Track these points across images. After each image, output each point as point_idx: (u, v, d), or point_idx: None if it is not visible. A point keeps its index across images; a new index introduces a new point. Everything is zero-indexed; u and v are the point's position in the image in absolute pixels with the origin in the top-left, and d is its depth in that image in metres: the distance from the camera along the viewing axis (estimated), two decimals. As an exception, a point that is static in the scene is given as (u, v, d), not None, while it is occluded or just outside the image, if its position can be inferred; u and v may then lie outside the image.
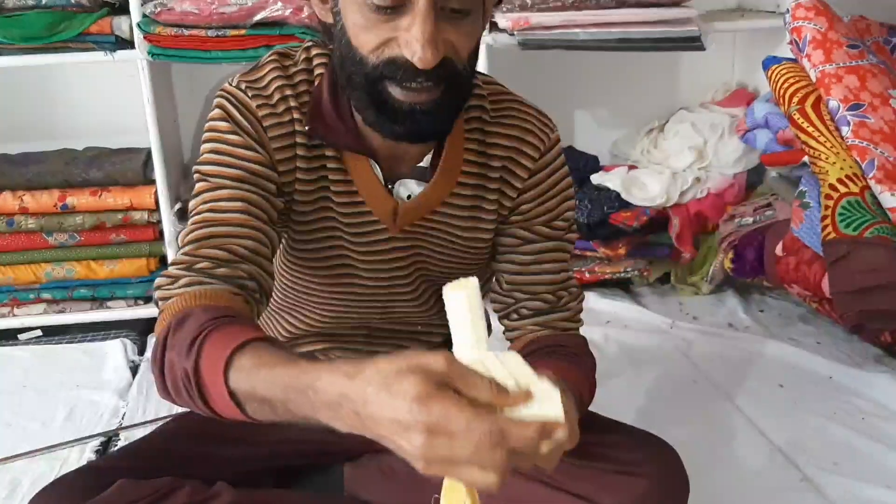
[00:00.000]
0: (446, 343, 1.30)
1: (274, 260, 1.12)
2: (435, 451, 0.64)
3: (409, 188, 1.08)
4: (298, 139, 1.04)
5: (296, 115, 1.03)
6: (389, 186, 1.07)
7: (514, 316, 1.16)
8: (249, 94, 1.01)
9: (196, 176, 1.02)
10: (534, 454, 0.68)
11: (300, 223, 1.10)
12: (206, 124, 1.03)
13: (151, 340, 2.01)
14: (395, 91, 0.91)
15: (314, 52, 1.06)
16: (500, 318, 1.19)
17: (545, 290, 1.14)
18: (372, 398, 0.66)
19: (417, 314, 1.21)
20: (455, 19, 0.90)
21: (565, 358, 1.08)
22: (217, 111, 1.02)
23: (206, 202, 0.98)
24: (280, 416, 0.76)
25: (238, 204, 0.97)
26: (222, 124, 1.01)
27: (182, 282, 0.91)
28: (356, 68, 0.93)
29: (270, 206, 1.01)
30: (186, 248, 0.95)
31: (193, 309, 0.87)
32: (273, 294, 1.22)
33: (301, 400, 0.72)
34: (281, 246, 1.12)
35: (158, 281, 0.94)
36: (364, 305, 1.18)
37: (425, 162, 1.07)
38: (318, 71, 1.05)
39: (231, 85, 1.02)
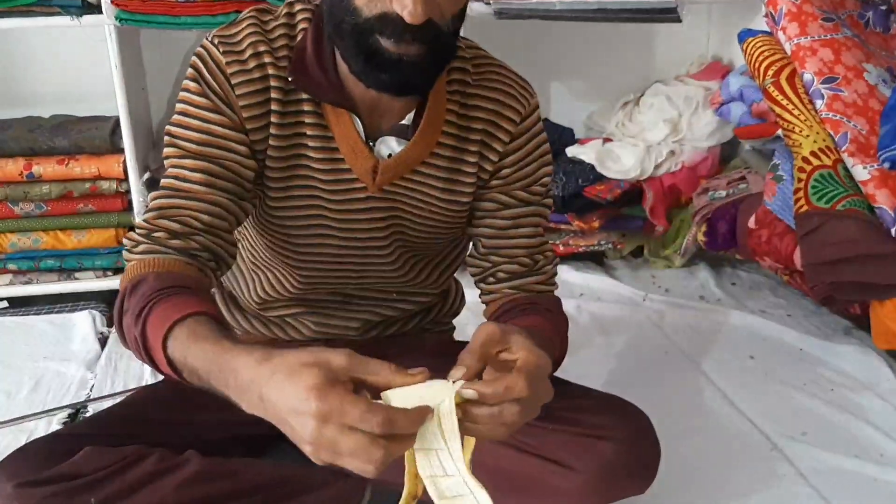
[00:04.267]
0: (421, 312, 1.31)
1: (245, 224, 1.15)
2: (323, 438, 0.71)
3: (389, 146, 1.08)
4: (273, 94, 1.04)
5: (271, 71, 1.04)
6: (370, 144, 1.07)
7: (491, 279, 1.16)
8: (221, 50, 1.04)
9: (166, 137, 1.05)
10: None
11: (273, 179, 1.09)
12: (182, 82, 1.06)
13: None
14: (386, 42, 0.93)
15: (297, 7, 1.07)
16: (476, 282, 1.20)
17: (522, 253, 1.15)
18: (274, 384, 0.74)
19: (393, 280, 1.21)
20: None
21: (538, 313, 1.09)
22: (190, 70, 1.05)
23: (172, 167, 1.03)
24: (206, 386, 0.84)
25: (199, 175, 1.02)
26: (192, 85, 1.04)
27: (140, 248, 1.00)
28: (348, 17, 0.94)
29: (237, 173, 1.04)
30: (148, 216, 1.03)
31: (147, 275, 0.95)
32: (247, 255, 1.22)
33: (220, 377, 0.81)
34: (256, 205, 1.13)
35: (126, 239, 1.03)
36: (338, 270, 1.17)
37: (407, 120, 1.07)
38: (301, 25, 1.06)
39: (207, 40, 1.05)
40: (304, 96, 1.05)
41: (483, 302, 1.19)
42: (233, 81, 1.03)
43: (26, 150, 1.97)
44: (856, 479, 1.38)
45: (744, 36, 1.96)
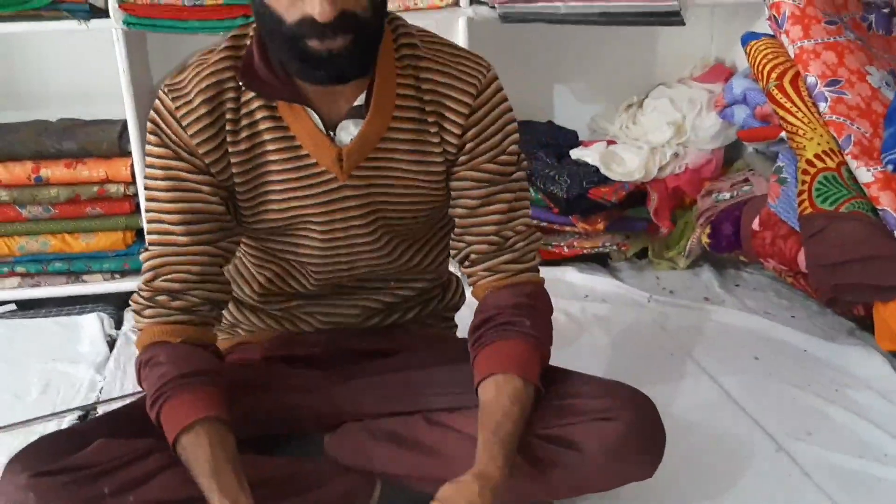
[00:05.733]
0: (419, 296, 1.33)
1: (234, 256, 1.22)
2: None
3: (349, 132, 1.11)
4: (228, 115, 1.10)
5: (220, 99, 1.09)
6: (331, 134, 1.10)
7: (467, 263, 1.20)
8: (171, 97, 1.10)
9: (145, 192, 1.14)
10: None
11: (245, 200, 1.14)
12: (146, 136, 1.14)
13: (129, 314, 2.00)
14: (312, 42, 0.99)
15: (246, 31, 1.12)
16: (459, 266, 1.23)
17: (491, 230, 1.17)
18: None
19: (385, 266, 1.24)
20: None
21: (518, 335, 1.13)
22: (149, 124, 1.12)
23: (154, 221, 1.13)
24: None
25: (181, 228, 1.10)
26: (152, 138, 1.13)
27: (147, 312, 1.12)
28: (275, 26, 1.00)
29: (212, 213, 1.12)
30: (146, 276, 1.13)
31: (159, 350, 1.09)
32: (242, 255, 1.26)
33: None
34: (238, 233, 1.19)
35: (132, 301, 1.14)
36: (328, 264, 1.21)
37: (360, 101, 1.11)
38: (248, 41, 1.11)
39: (161, 90, 1.12)
40: (257, 105, 1.10)
41: (469, 285, 1.23)
42: (184, 124, 1.09)
43: (34, 154, 1.98)
44: (860, 479, 1.39)
45: (747, 39, 1.97)
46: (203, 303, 1.12)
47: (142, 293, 1.12)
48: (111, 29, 1.87)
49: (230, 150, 1.11)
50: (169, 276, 1.10)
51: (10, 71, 2.18)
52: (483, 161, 1.16)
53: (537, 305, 1.17)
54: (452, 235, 1.22)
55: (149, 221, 1.13)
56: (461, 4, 2.00)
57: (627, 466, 1.13)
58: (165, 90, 1.11)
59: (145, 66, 2.16)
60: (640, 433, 1.12)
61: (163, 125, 1.11)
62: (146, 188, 1.14)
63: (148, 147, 1.13)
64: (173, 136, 1.10)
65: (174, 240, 1.11)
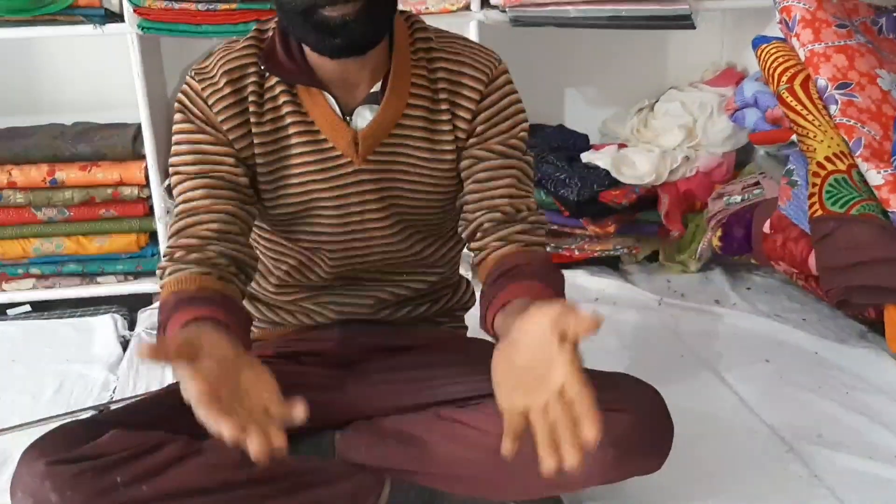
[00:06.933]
0: (430, 292, 1.35)
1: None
2: None
3: (365, 117, 1.15)
4: (251, 97, 1.14)
5: (244, 82, 1.14)
6: (347, 118, 1.15)
7: (478, 234, 1.19)
8: (197, 80, 1.15)
9: (170, 168, 1.17)
10: None
11: (265, 181, 1.17)
12: (173, 118, 1.17)
13: (142, 315, 2.02)
14: (326, 10, 1.01)
15: (268, 25, 1.17)
16: (468, 245, 1.22)
17: (503, 203, 1.18)
18: None
19: (398, 257, 1.26)
20: None
21: (531, 277, 1.09)
22: (176, 104, 1.17)
23: (179, 193, 1.15)
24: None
25: (200, 192, 1.12)
26: (179, 116, 1.16)
27: (167, 272, 1.10)
28: (287, 1, 1.03)
29: (233, 181, 1.14)
30: (169, 241, 1.13)
31: (168, 297, 1.05)
32: (260, 250, 1.28)
33: None
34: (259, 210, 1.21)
35: (158, 269, 1.13)
36: (343, 250, 1.23)
37: (376, 89, 1.14)
38: (270, 32, 1.16)
39: (188, 75, 1.16)
40: (280, 90, 1.14)
41: (476, 264, 1.20)
42: (210, 102, 1.13)
43: (49, 157, 2.01)
44: (870, 481, 1.38)
45: (758, 42, 1.97)
46: (220, 257, 1.09)
47: (164, 258, 1.12)
48: (126, 33, 1.89)
49: (254, 130, 1.14)
50: (188, 235, 1.11)
51: (26, 75, 2.20)
52: (493, 143, 1.18)
53: (552, 268, 1.16)
54: (462, 214, 1.21)
55: (176, 195, 1.16)
56: (472, 8, 2.01)
57: (635, 458, 1.13)
58: (192, 74, 1.16)
59: (159, 71, 2.19)
60: (647, 424, 1.12)
61: (188, 103, 1.15)
62: (172, 164, 1.16)
63: (174, 126, 1.17)
64: (198, 113, 1.14)
65: (195, 205, 1.12)
